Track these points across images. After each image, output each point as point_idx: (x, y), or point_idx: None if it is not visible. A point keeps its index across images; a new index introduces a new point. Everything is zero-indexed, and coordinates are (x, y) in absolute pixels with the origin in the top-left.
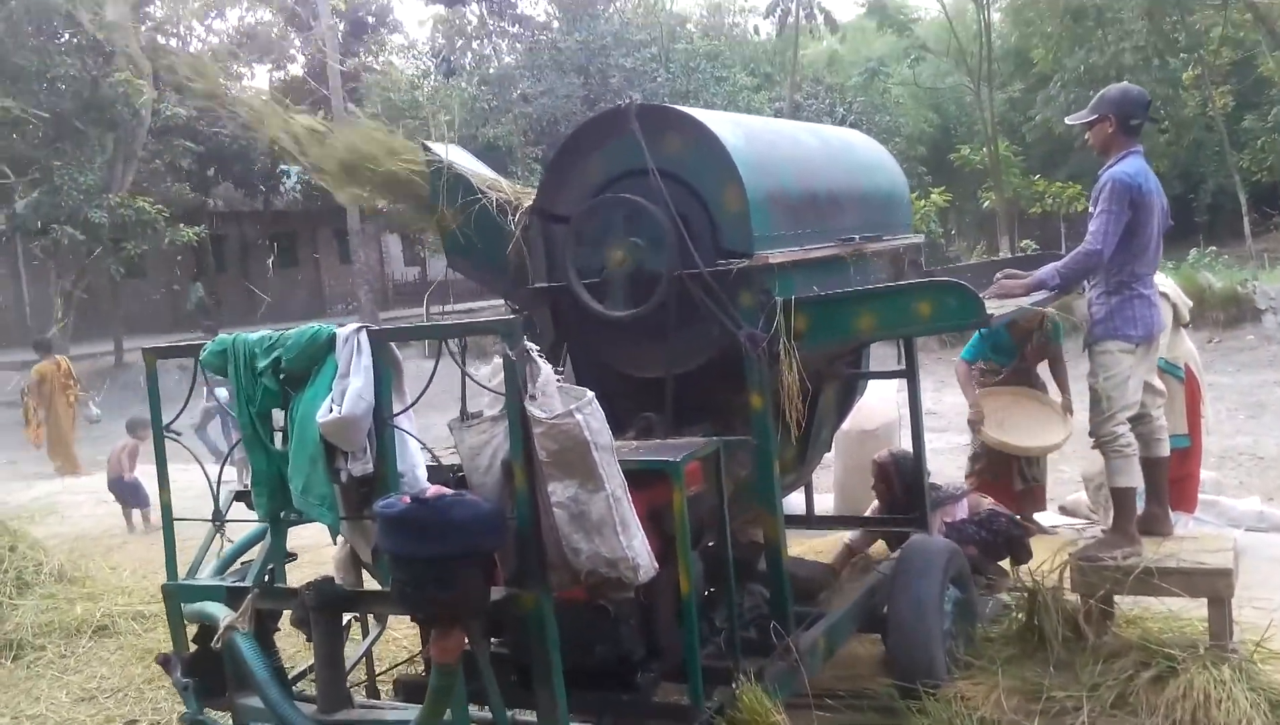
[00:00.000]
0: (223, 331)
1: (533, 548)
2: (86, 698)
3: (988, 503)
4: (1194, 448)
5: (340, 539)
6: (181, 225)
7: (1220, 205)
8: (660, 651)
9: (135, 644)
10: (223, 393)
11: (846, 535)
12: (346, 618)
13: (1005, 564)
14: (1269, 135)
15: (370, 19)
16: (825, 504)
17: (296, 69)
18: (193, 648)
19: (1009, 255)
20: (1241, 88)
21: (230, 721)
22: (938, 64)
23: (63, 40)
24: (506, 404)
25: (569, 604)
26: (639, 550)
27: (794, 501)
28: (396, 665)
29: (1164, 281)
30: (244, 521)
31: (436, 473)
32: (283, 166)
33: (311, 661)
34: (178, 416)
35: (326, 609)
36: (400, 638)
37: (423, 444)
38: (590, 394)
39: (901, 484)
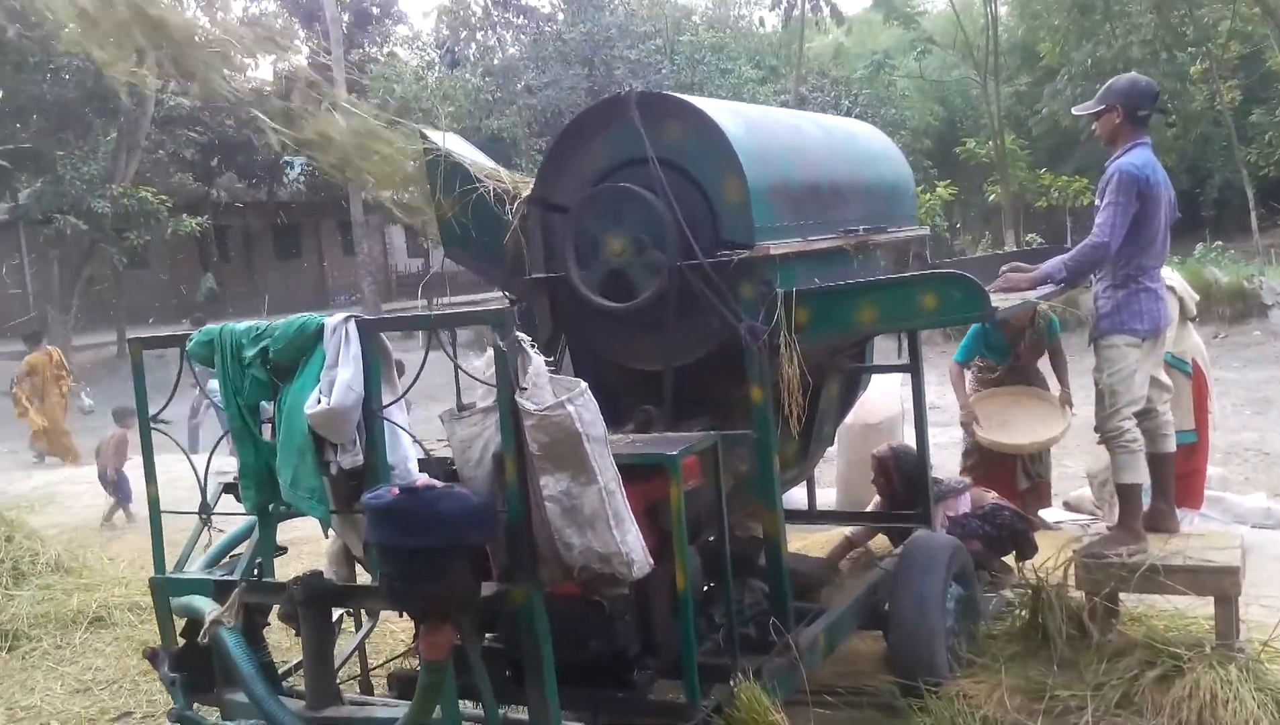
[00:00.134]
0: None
1: (524, 542)
2: (81, 689)
3: (991, 497)
4: (1200, 443)
5: (332, 532)
6: (184, 216)
7: (1227, 200)
8: (657, 648)
9: (131, 635)
10: (214, 385)
11: (847, 528)
12: (339, 611)
13: (1009, 559)
14: (1277, 130)
15: (375, 10)
16: (828, 499)
17: (301, 60)
18: (181, 642)
19: (1014, 249)
20: (1249, 82)
21: (219, 717)
22: (944, 57)
23: (66, 29)
24: (498, 396)
25: (563, 599)
26: (633, 545)
27: (796, 496)
28: (391, 659)
29: (1170, 275)
30: (232, 514)
31: (434, 466)
32: (286, 158)
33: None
34: (164, 407)
35: (315, 604)
36: (397, 630)
37: (413, 436)
38: (583, 385)
39: (901, 479)
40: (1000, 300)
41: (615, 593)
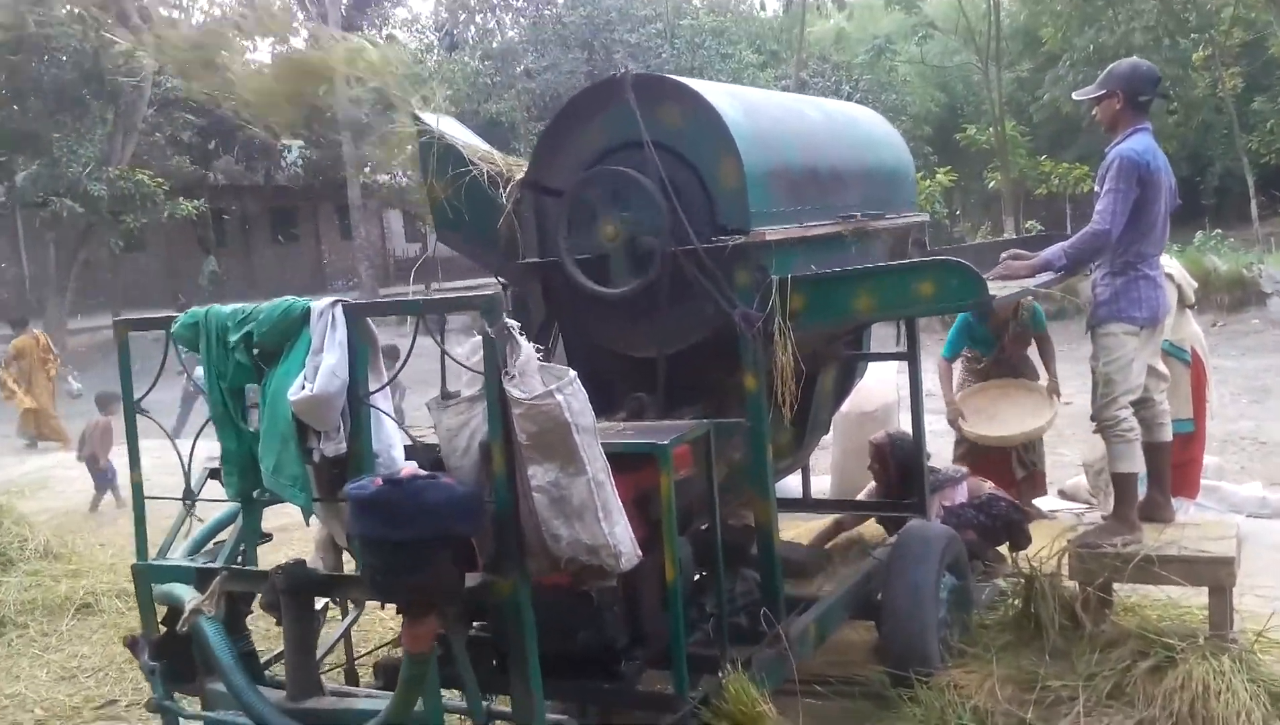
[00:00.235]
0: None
1: (511, 533)
2: (67, 677)
3: (988, 487)
4: (1198, 432)
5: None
6: (181, 199)
7: (1228, 188)
8: (646, 639)
9: (118, 623)
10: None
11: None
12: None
13: (1003, 549)
14: (1278, 117)
15: None
16: (822, 486)
17: (299, 43)
18: (163, 630)
19: (1014, 236)
20: (1252, 69)
21: (200, 706)
22: (945, 42)
23: (64, 10)
24: (485, 384)
25: (550, 589)
26: (621, 537)
27: (791, 484)
28: (379, 648)
29: (1168, 262)
30: (217, 501)
31: (422, 453)
32: (284, 142)
33: None
34: (148, 392)
35: (297, 593)
36: (385, 617)
37: (399, 424)
38: (572, 374)
39: (898, 467)
40: (999, 288)
41: (603, 584)
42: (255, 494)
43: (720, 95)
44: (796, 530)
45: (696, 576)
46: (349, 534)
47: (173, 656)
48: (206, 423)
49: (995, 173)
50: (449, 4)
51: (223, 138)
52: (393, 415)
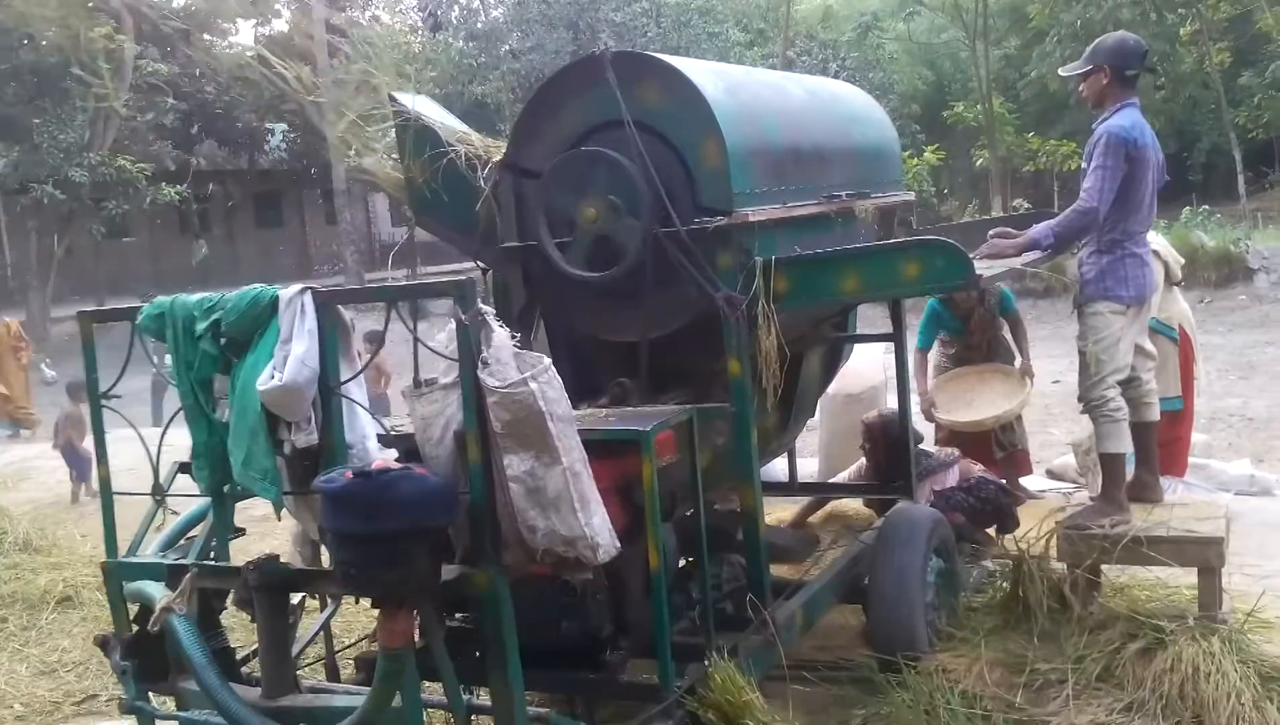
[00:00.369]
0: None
1: (486, 525)
2: (47, 671)
3: (978, 469)
4: (1186, 410)
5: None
6: (164, 185)
7: (1215, 164)
8: (630, 628)
9: (99, 616)
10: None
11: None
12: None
13: (991, 531)
14: (1266, 92)
15: None
16: (810, 469)
17: (282, 24)
18: (135, 628)
19: (1001, 214)
20: (1239, 44)
21: (174, 706)
22: (933, 19)
23: None
24: (460, 371)
25: (532, 578)
26: (599, 528)
27: (778, 467)
28: (361, 640)
29: (1155, 239)
30: (187, 496)
31: (399, 443)
32: (268, 125)
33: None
34: (114, 384)
35: (270, 589)
36: (368, 609)
37: (372, 414)
38: (547, 361)
39: (889, 447)
40: (985, 267)
41: (582, 576)
42: (228, 488)
43: (702, 73)
44: (780, 514)
45: (682, 562)
46: (321, 528)
47: (145, 655)
48: (176, 413)
49: (983, 150)
50: None
51: (205, 122)
52: (365, 405)
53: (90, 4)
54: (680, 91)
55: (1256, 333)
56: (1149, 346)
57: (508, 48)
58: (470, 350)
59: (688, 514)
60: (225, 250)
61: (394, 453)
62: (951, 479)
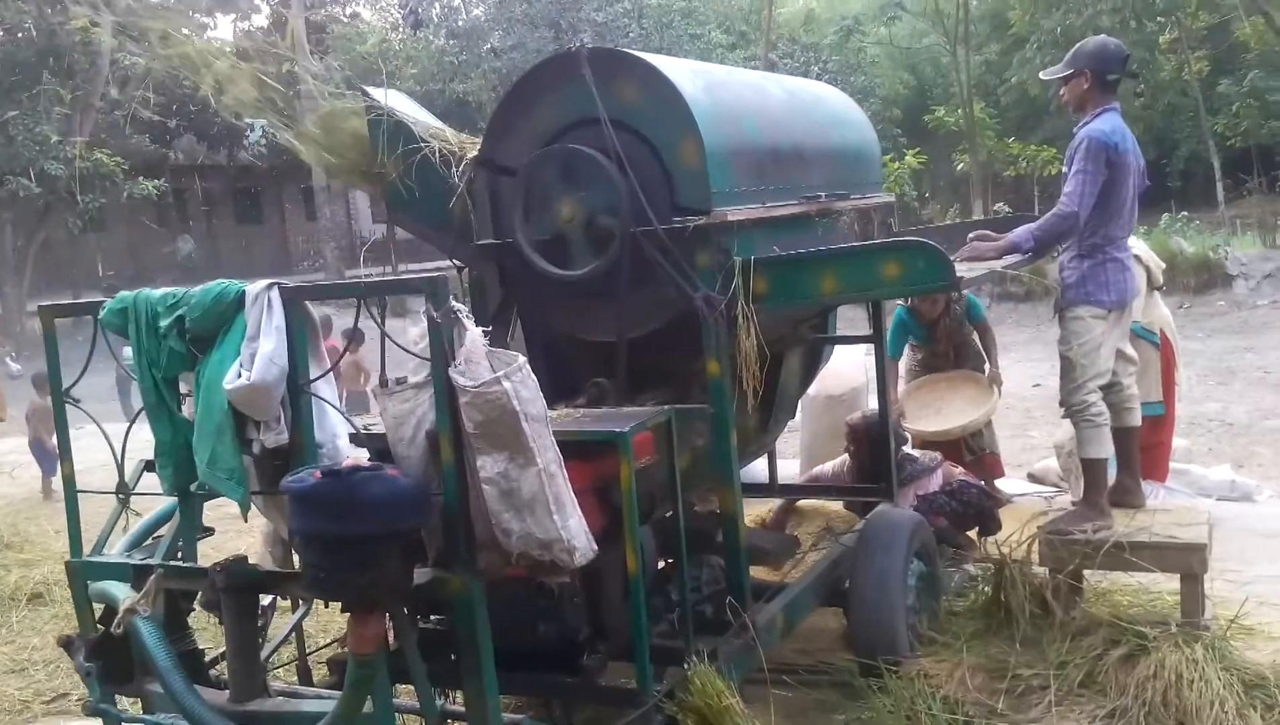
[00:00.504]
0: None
1: (460, 527)
2: (17, 669)
3: (959, 472)
4: (1167, 415)
5: None
6: (141, 178)
7: (1193, 171)
8: (608, 631)
9: (71, 614)
10: (129, 352)
11: None
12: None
13: (973, 534)
14: (1244, 100)
15: None
16: (791, 470)
17: (261, 20)
18: (100, 629)
19: (982, 218)
20: (1217, 52)
21: (140, 709)
22: (914, 24)
23: None
24: (432, 370)
25: (509, 580)
26: (575, 531)
27: (758, 468)
28: (334, 643)
29: (1137, 244)
30: (153, 494)
31: (371, 443)
32: (247, 120)
33: None
34: (77, 380)
35: (238, 591)
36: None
37: (343, 413)
38: (521, 360)
39: (874, 449)
40: (966, 269)
41: (557, 580)
42: (192, 487)
43: (680, 71)
44: (758, 511)
45: (661, 564)
46: (290, 530)
47: (111, 657)
48: (141, 411)
49: (964, 155)
50: None
51: (183, 116)
52: (336, 404)
53: None
54: (658, 89)
55: (1235, 338)
56: (1130, 351)
57: (489, 46)
58: (442, 348)
59: (667, 516)
60: (205, 246)
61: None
62: (935, 483)
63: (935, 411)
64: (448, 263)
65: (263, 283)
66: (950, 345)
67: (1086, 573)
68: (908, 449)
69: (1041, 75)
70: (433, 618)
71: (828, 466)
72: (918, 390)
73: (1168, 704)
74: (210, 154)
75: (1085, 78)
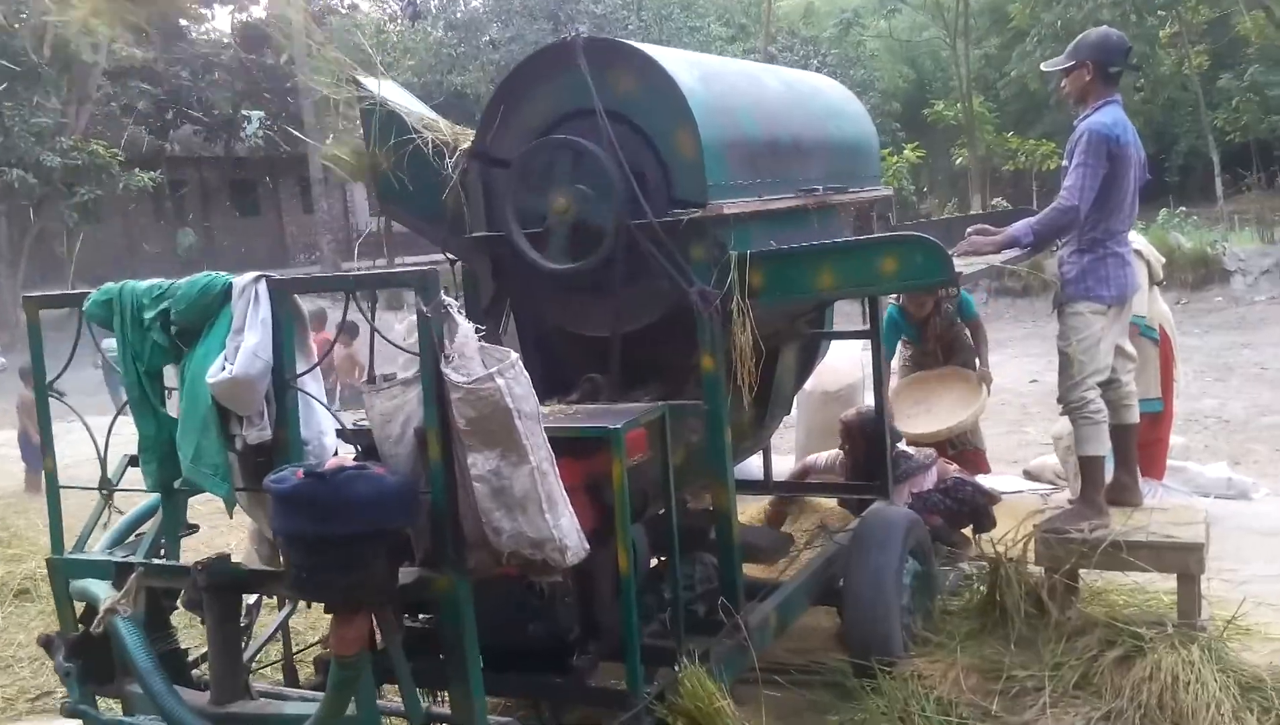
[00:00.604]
0: None
1: (448, 526)
2: (2, 667)
3: (953, 470)
4: (1166, 412)
5: None
6: (137, 170)
7: (1192, 166)
8: (600, 630)
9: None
10: (111, 344)
11: None
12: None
13: (967, 531)
14: (1244, 95)
15: None
16: (787, 467)
17: (259, 10)
18: (81, 628)
19: (980, 212)
20: (1217, 47)
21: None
22: (914, 17)
23: None
24: (420, 366)
25: (498, 579)
26: (567, 530)
27: (753, 465)
28: (322, 641)
29: (1137, 238)
30: (137, 490)
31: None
32: (244, 111)
33: None
34: (60, 373)
35: (220, 590)
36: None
37: (329, 409)
38: (514, 356)
39: (868, 446)
40: (964, 264)
41: (549, 580)
42: (176, 483)
43: (676, 61)
44: (751, 510)
45: (654, 561)
46: (273, 530)
47: (91, 657)
48: (123, 407)
49: (962, 149)
50: None
51: (180, 108)
52: (322, 399)
53: None
54: (654, 80)
55: (1233, 334)
56: (1129, 348)
57: (487, 38)
58: (431, 343)
59: (660, 513)
60: (201, 239)
61: (354, 448)
62: (929, 481)
63: (925, 409)
64: (443, 256)
65: (250, 275)
66: (939, 344)
67: (1082, 572)
68: (902, 446)
69: (1042, 67)
70: (421, 616)
71: (822, 456)
72: (907, 387)
73: (1163, 706)
74: (207, 146)
75: (1087, 70)
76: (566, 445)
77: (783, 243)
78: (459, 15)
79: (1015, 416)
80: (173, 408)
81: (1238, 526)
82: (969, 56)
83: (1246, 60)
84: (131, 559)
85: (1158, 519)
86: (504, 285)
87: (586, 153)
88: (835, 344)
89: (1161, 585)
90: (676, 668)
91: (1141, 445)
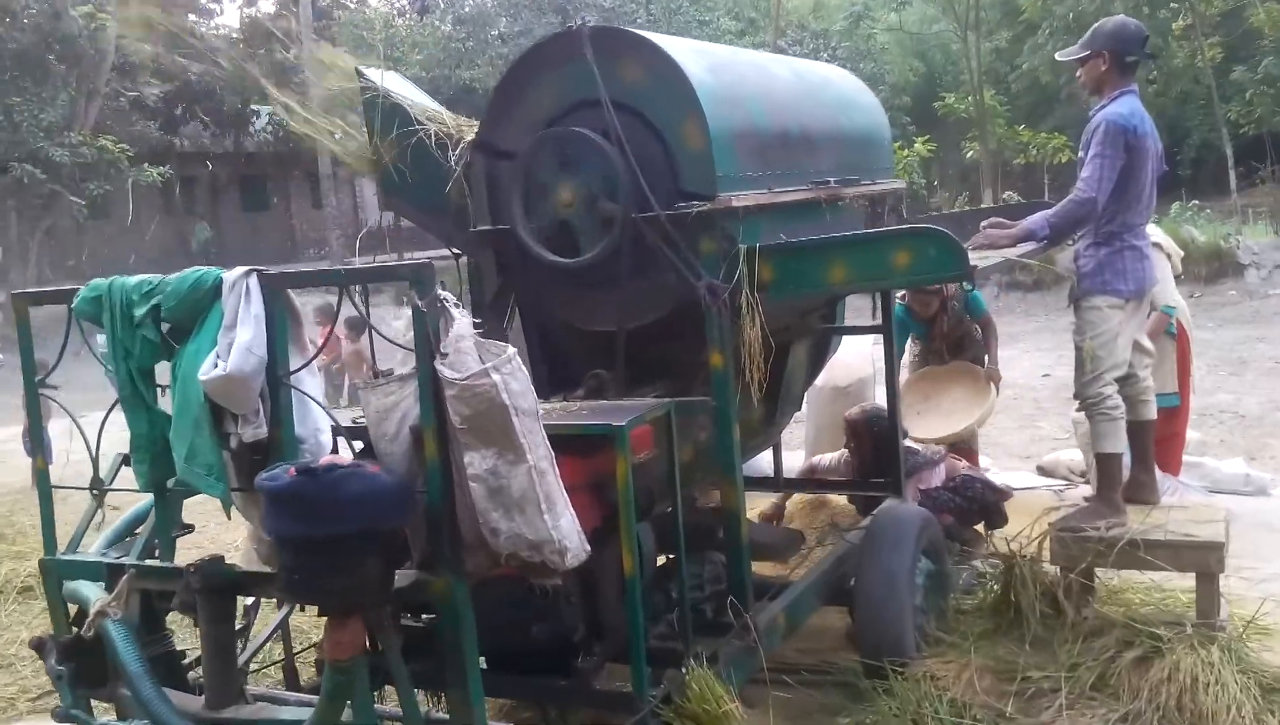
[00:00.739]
0: None
1: (445, 526)
2: (4, 665)
3: (963, 466)
4: (1183, 407)
5: None
6: (147, 165)
7: (1205, 159)
8: (606, 632)
9: None
10: (102, 339)
11: None
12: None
13: (980, 528)
14: (1257, 87)
15: None
16: (796, 463)
17: (268, 5)
18: (74, 630)
19: (992, 205)
20: (1231, 39)
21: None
22: (924, 10)
23: None
24: (416, 362)
25: (500, 580)
26: (567, 531)
27: (763, 462)
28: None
29: (1155, 231)
30: (129, 491)
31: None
32: (253, 106)
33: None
34: (51, 370)
35: (214, 592)
36: None
37: (323, 406)
38: (512, 351)
39: (874, 444)
40: (979, 257)
41: (548, 582)
42: (170, 483)
43: (684, 51)
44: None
45: (661, 560)
46: (265, 530)
47: (84, 660)
48: (115, 405)
49: (974, 142)
50: None
51: (189, 103)
52: (318, 398)
53: None
54: (661, 70)
55: (1247, 328)
56: (1147, 343)
57: (496, 32)
58: (426, 339)
59: (667, 511)
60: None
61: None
62: (937, 477)
63: (934, 406)
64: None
65: (240, 269)
66: (946, 343)
67: (1099, 571)
68: (909, 442)
69: (1058, 56)
70: (423, 616)
71: (827, 457)
72: (916, 382)
73: (1182, 708)
74: (216, 141)
75: (1103, 59)
76: (571, 443)
77: (793, 236)
78: (467, 9)
79: (1028, 411)
80: (165, 405)
81: (1256, 523)
82: (980, 49)
83: (1260, 53)
84: (124, 560)
85: (1176, 517)
86: (509, 280)
87: (593, 144)
88: (846, 339)
89: (1179, 584)
90: (684, 670)
91: (1158, 440)
